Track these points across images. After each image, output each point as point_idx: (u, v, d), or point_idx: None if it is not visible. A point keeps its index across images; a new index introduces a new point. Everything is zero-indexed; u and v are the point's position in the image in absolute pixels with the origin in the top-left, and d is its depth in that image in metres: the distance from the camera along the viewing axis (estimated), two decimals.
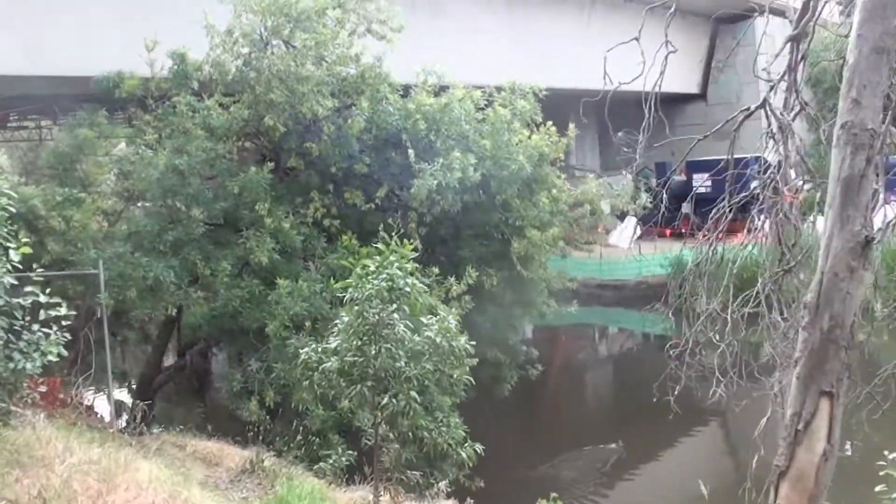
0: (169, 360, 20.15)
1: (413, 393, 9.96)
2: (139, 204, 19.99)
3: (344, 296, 16.25)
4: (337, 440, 14.98)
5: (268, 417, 15.75)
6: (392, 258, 10.15)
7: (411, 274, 10.24)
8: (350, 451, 13.46)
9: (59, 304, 10.82)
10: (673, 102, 48.62)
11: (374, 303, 9.84)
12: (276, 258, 16.81)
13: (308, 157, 18.22)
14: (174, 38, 18.81)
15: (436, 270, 16.58)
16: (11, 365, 10.40)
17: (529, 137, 19.29)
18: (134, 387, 20.64)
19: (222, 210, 17.53)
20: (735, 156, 30.27)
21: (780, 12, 48.36)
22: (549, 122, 20.03)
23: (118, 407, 17.77)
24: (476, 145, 18.34)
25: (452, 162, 17.26)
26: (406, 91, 19.17)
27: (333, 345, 10.22)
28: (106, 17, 21.39)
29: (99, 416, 16.79)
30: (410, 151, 17.68)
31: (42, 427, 11.18)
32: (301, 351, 11.05)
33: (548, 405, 25.54)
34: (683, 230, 29.86)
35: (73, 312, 11.64)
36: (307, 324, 15.97)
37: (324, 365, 10.23)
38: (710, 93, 50.81)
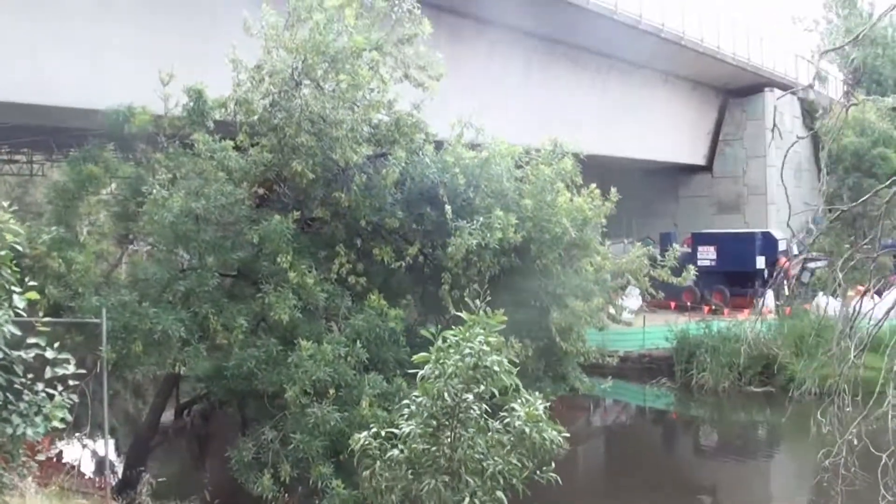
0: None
1: (500, 494, 8.42)
2: (144, 248, 18.55)
3: (370, 360, 15.24)
4: None
5: (283, 493, 14.18)
6: (478, 330, 8.63)
7: (498, 350, 8.73)
8: None
9: (67, 361, 9.40)
10: (678, 173, 47.89)
11: (454, 382, 8.32)
12: (298, 316, 15.29)
13: (335, 207, 16.81)
14: (192, 74, 17.53)
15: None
16: (10, 430, 8.96)
17: (571, 200, 17.96)
18: (126, 448, 18.96)
19: (239, 260, 16.07)
20: (742, 230, 29.46)
21: (788, 87, 48.10)
22: (593, 185, 18.85)
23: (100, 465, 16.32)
24: (516, 205, 17.04)
25: (493, 221, 15.95)
26: (437, 146, 17.84)
27: (407, 429, 8.63)
28: (120, 48, 19.97)
29: (89, 477, 15.31)
30: (448, 207, 16.32)
31: (32, 496, 9.80)
32: (359, 436, 9.40)
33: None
34: (688, 303, 28.70)
35: (82, 371, 10.23)
36: (331, 391, 14.52)
37: (390, 453, 8.65)
38: (716, 165, 49.91)
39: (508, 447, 8.68)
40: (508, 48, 33.80)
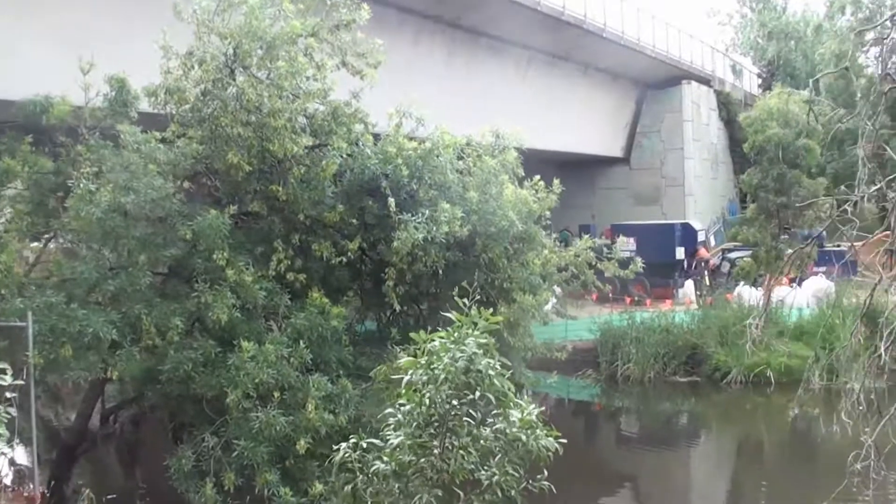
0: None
1: None
2: (62, 245, 17.57)
3: (312, 361, 14.52)
4: None
5: (227, 502, 13.43)
6: (469, 331, 7.98)
7: (489, 352, 8.10)
8: None
9: (3, 371, 8.59)
10: (596, 165, 47.89)
11: (445, 388, 7.67)
12: (236, 316, 14.49)
13: (272, 201, 16.03)
14: (116, 62, 16.70)
15: (424, 336, 14.63)
16: None
17: (516, 193, 17.48)
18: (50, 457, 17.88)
19: (172, 258, 15.16)
20: (661, 222, 29.51)
21: (705, 80, 48.41)
22: (537, 177, 18.39)
23: (21, 476, 15.37)
24: (461, 198, 16.45)
25: (440, 214, 15.34)
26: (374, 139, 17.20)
27: (396, 441, 7.94)
28: (37, 36, 18.92)
29: (13, 490, 14.35)
30: (391, 200, 15.64)
31: None
32: (340, 448, 8.67)
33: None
34: (609, 294, 28.50)
35: (20, 382, 9.41)
36: (275, 394, 13.80)
37: (374, 467, 7.96)
38: (633, 157, 50.05)
39: (499, 455, 8.06)
40: (431, 38, 33.33)
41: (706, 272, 42.32)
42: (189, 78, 15.78)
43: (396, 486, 8.01)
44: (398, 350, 14.72)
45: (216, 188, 16.74)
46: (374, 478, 8.03)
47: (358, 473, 8.22)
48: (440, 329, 16.20)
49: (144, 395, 15.49)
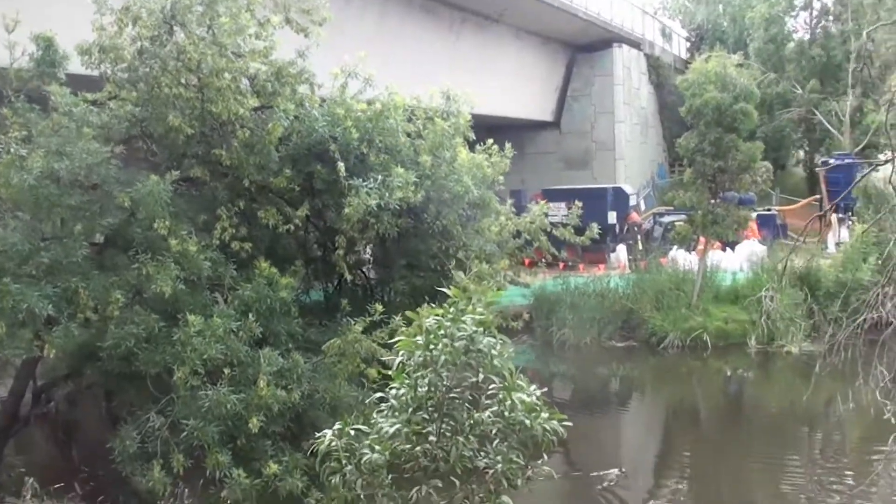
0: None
1: (506, 499, 7.17)
2: None
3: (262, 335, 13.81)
4: None
5: (176, 485, 12.69)
6: (468, 308, 7.33)
7: (490, 330, 7.45)
8: None
9: None
10: (527, 129, 47.45)
11: (444, 371, 7.02)
12: (180, 288, 13.62)
13: (215, 166, 15.17)
14: (46, 19, 15.73)
15: (379, 307, 14.01)
16: None
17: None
18: None
19: (109, 227, 14.25)
20: (593, 186, 29.32)
21: (635, 44, 48.23)
22: (490, 140, 17.82)
23: None
24: (413, 162, 15.78)
25: (393, 179, 14.65)
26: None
27: (391, 429, 7.26)
28: None
29: None
30: (340, 164, 14.88)
31: None
32: (323, 436, 7.92)
33: None
34: (541, 260, 28.12)
35: None
36: (225, 371, 13.02)
37: (367, 457, 7.27)
38: (563, 121, 49.75)
39: (498, 441, 7.45)
40: None
41: (639, 236, 42.19)
42: (124, 35, 14.81)
43: (391, 477, 7.38)
44: (352, 322, 14.13)
45: (153, 153, 15.84)
46: (365, 469, 7.36)
47: (346, 463, 7.56)
48: (393, 301, 15.77)
49: (82, 372, 14.62)
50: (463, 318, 7.34)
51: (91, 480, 14.57)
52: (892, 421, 9.83)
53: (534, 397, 7.67)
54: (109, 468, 13.25)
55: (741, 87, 30.58)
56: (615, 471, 18.83)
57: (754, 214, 36.40)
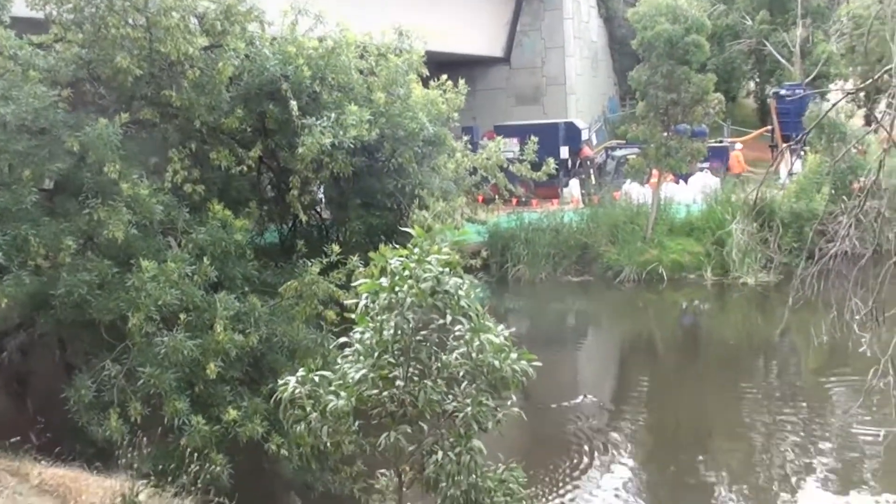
0: None
1: (477, 443, 7.06)
2: None
3: (220, 281, 13.60)
4: (221, 459, 12.24)
5: (135, 434, 12.48)
6: (432, 248, 7.15)
7: (456, 271, 7.29)
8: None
9: None
10: (476, 65, 47.06)
11: (409, 314, 6.86)
12: (133, 233, 13.35)
13: (165, 107, 14.85)
14: None
15: (336, 248, 13.83)
16: None
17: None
18: None
19: (58, 172, 13.90)
20: (545, 121, 29.13)
21: None
22: (444, 76, 17.59)
23: None
24: (366, 100, 15.56)
25: (347, 117, 14.42)
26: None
27: (358, 374, 7.09)
28: None
29: None
30: (293, 103, 14.64)
31: None
32: (286, 383, 7.72)
33: None
34: (496, 196, 28.04)
35: None
36: (180, 316, 12.81)
37: (332, 404, 7.11)
38: (513, 57, 49.44)
39: (466, 383, 7.32)
40: None
41: (591, 171, 42.13)
42: None
43: (357, 423, 7.23)
44: (309, 264, 13.96)
45: (101, 95, 15.44)
46: (331, 416, 7.21)
47: (310, 410, 7.39)
48: (350, 241, 15.60)
49: (34, 321, 14.32)
50: (428, 259, 7.19)
51: (47, 431, 14.29)
52: (868, 353, 9.84)
53: (502, 338, 7.55)
54: (66, 418, 13.04)
55: (692, 19, 30.44)
56: (580, 398, 18.99)
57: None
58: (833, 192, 28.62)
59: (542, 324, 30.00)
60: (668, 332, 28.57)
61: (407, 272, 7.09)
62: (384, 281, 7.24)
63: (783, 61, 51.38)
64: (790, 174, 34.20)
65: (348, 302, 8.69)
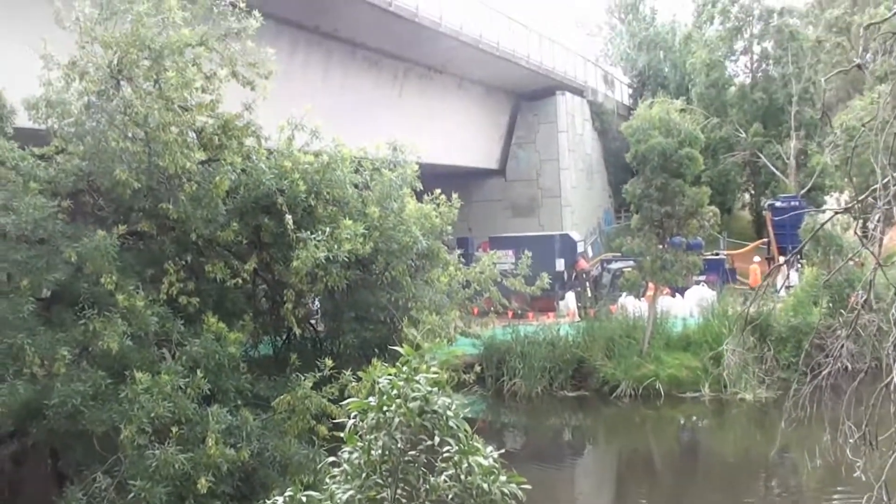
0: None
1: None
2: None
3: (210, 391, 13.61)
4: None
5: None
6: (421, 366, 7.21)
7: (444, 388, 7.33)
8: None
9: None
10: (472, 177, 47.60)
11: (398, 434, 6.89)
12: (128, 344, 13.45)
13: (162, 220, 15.05)
14: None
15: (329, 362, 13.91)
16: None
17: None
18: None
19: (55, 282, 14.04)
20: (540, 233, 29.37)
21: (578, 91, 48.64)
22: (438, 190, 17.84)
23: None
24: (361, 214, 15.80)
25: (342, 231, 14.64)
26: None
27: (345, 496, 7.08)
28: None
29: None
30: (288, 217, 14.90)
31: None
32: (275, 501, 7.66)
33: None
34: (490, 309, 28.10)
35: None
36: (173, 429, 12.82)
37: None
38: (509, 169, 50.10)
39: None
40: (308, 49, 32.65)
41: (587, 283, 42.24)
42: (72, 90, 14.74)
43: None
44: (302, 378, 14.01)
45: (100, 207, 15.70)
46: None
47: None
48: (343, 354, 15.66)
49: (27, 430, 14.31)
50: (416, 378, 7.24)
51: None
52: (863, 478, 9.83)
53: (491, 459, 7.52)
54: None
55: (685, 132, 30.77)
56: None
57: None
58: (830, 305, 28.58)
59: (539, 440, 29.72)
60: (667, 450, 28.28)
61: (395, 391, 7.14)
62: (372, 400, 7.29)
63: (778, 173, 51.99)
64: (787, 287, 34.26)
65: (340, 420, 8.70)
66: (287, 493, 7.60)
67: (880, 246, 10.70)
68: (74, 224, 14.84)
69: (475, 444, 7.56)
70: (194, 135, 15.36)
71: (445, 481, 7.25)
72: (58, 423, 13.16)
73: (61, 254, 13.84)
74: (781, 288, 34.30)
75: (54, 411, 12.96)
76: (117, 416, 12.82)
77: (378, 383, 7.35)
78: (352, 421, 7.41)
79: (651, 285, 33.37)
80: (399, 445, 7.06)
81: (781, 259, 38.67)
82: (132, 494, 12.37)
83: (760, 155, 52.35)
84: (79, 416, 13.03)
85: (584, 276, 42.33)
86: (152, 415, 12.68)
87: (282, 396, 13.97)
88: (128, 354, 13.57)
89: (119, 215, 15.40)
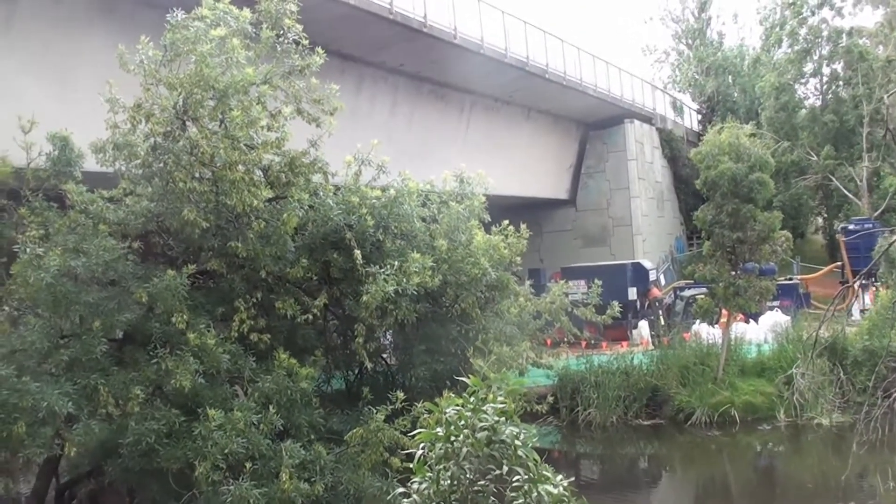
0: None
1: None
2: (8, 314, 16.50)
3: (283, 426, 13.64)
4: None
5: None
6: (489, 397, 7.16)
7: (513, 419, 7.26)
8: None
9: None
10: (542, 208, 47.43)
11: (466, 464, 6.83)
12: (200, 382, 13.56)
13: (231, 258, 15.16)
14: (59, 118, 15.87)
15: (401, 395, 13.88)
16: None
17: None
18: None
19: (127, 323, 14.21)
20: (612, 262, 29.10)
21: (647, 118, 48.39)
22: (506, 221, 17.78)
23: None
24: (429, 247, 15.80)
25: (410, 265, 14.65)
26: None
27: None
28: None
29: None
30: (357, 252, 14.93)
31: None
32: None
33: None
34: (563, 340, 27.88)
35: None
36: (246, 464, 12.87)
37: None
38: (579, 198, 49.87)
39: None
40: (374, 84, 32.81)
41: (660, 312, 41.84)
42: (138, 132, 14.92)
43: None
44: (374, 411, 14.00)
45: (169, 247, 15.86)
46: None
47: None
48: (415, 387, 15.63)
49: (103, 469, 14.48)
50: (484, 408, 7.18)
51: None
52: None
53: (560, 488, 7.43)
54: None
55: (755, 157, 30.37)
56: None
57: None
58: None
59: (615, 469, 29.39)
60: (743, 476, 27.78)
61: (462, 421, 7.09)
62: (440, 430, 7.24)
63: (850, 196, 51.21)
64: (862, 311, 33.62)
65: (411, 451, 8.67)
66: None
67: None
68: (145, 265, 15.02)
69: (545, 472, 7.45)
70: (261, 173, 15.47)
71: None
72: (133, 461, 13.33)
73: (132, 294, 14.03)
74: (856, 311, 33.65)
75: (129, 450, 13.13)
76: (191, 453, 12.94)
77: (445, 414, 7.29)
78: (420, 451, 7.36)
79: (724, 312, 32.93)
80: (468, 475, 7.01)
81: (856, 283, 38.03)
82: None
83: (832, 178, 51.66)
84: (153, 454, 13.20)
85: (658, 304, 41.96)
86: (226, 451, 12.74)
87: (355, 430, 13.96)
88: (200, 392, 13.67)
89: (188, 255, 15.57)
